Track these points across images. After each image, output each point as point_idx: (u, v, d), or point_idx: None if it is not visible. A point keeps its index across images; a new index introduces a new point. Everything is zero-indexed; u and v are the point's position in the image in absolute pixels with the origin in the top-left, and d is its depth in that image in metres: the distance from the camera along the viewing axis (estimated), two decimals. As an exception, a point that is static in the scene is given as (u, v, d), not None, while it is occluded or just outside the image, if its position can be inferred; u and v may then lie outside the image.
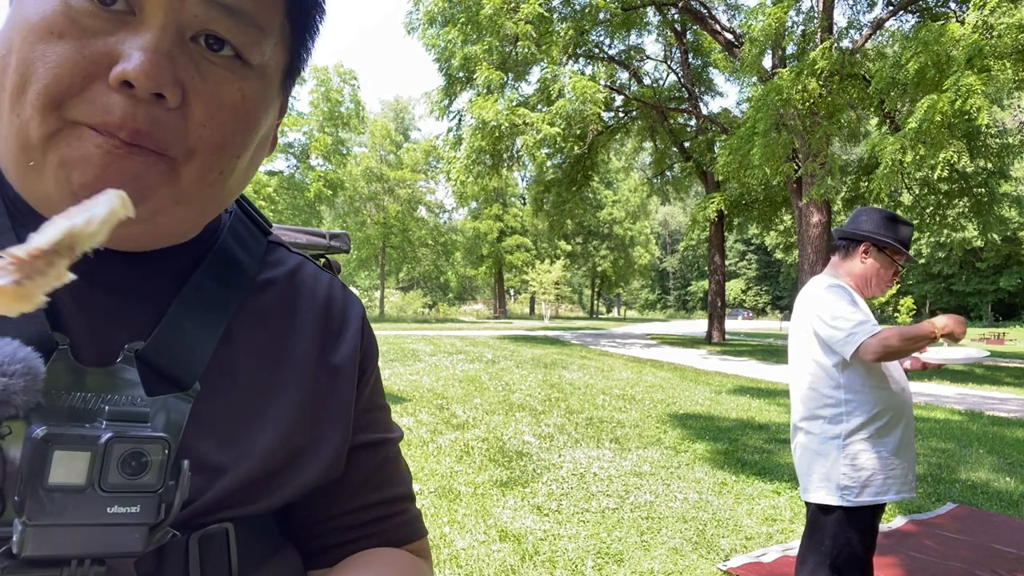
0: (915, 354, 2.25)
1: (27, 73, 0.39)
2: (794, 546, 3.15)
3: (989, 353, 2.59)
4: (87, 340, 0.43)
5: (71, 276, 0.33)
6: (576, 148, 19.88)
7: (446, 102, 18.75)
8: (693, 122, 23.15)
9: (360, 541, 0.56)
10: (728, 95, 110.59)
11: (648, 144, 25.85)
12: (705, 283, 43.07)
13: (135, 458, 0.38)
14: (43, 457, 0.36)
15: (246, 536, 0.47)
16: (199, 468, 0.44)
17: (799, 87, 12.38)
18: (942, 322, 2.00)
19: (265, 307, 0.53)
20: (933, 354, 2.27)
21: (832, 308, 2.08)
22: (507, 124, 15.69)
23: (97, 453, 0.37)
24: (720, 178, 18.78)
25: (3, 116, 0.41)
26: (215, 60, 0.42)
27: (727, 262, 54.25)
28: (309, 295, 0.57)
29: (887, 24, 16.21)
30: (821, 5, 14.83)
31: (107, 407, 0.40)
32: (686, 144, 23.27)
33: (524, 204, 45.49)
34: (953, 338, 2.02)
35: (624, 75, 22.96)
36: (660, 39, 23.49)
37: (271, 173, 28.61)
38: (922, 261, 44.62)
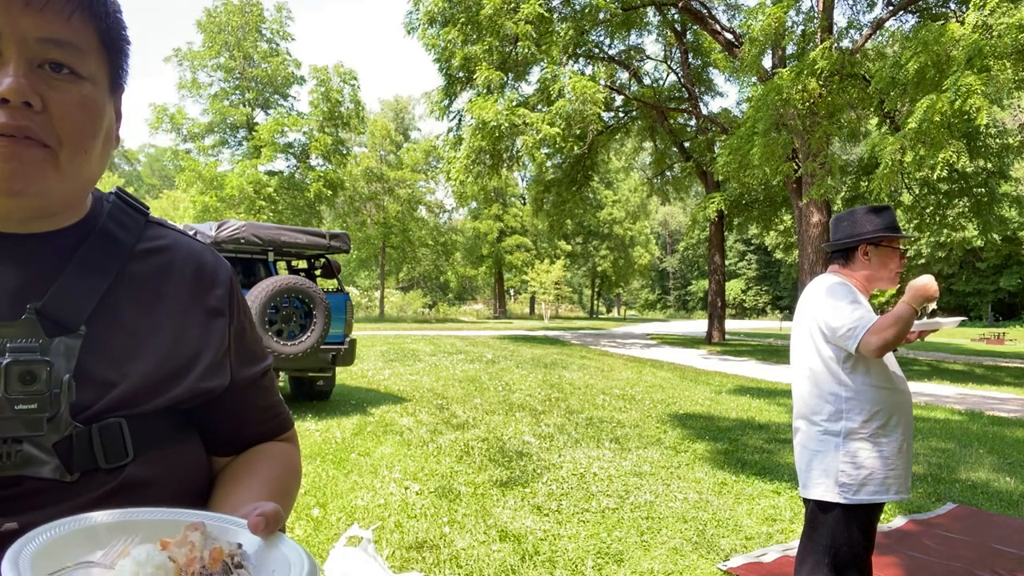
0: None
1: None
2: (794, 546, 3.15)
3: (966, 318, 2.95)
4: (3, 304, 0.62)
5: None
6: (576, 148, 19.84)
7: (446, 102, 18.72)
8: (693, 122, 23.13)
9: (254, 435, 0.82)
10: (728, 95, 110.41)
11: (648, 144, 25.82)
12: (705, 283, 43.02)
13: (28, 374, 0.59)
14: None
15: (139, 428, 0.66)
16: (95, 383, 0.64)
17: (799, 87, 12.37)
18: (913, 296, 2.02)
19: (144, 269, 0.72)
20: (916, 324, 2.27)
21: (834, 304, 2.09)
22: (507, 124, 15.66)
23: (1, 372, 0.58)
24: (720, 178, 18.76)
25: None
26: (58, 77, 0.62)
27: (727, 262, 54.20)
28: (183, 258, 0.76)
29: (887, 24, 16.20)
30: (821, 5, 14.82)
31: (10, 343, 0.60)
32: (686, 144, 23.24)
33: (524, 204, 45.41)
34: (929, 299, 2.03)
35: (624, 75, 22.94)
36: (660, 39, 23.45)
37: (271, 173, 28.52)
38: (922, 261, 44.56)
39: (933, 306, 2.12)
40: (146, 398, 0.66)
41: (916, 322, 2.12)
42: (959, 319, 2.38)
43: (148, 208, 0.78)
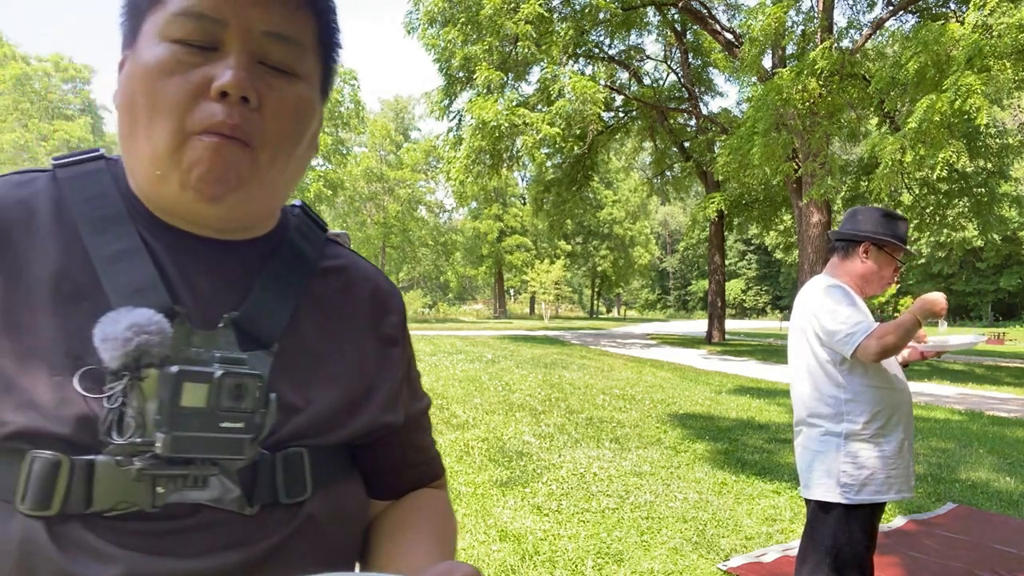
0: (913, 344, 2.26)
1: (154, 104, 0.54)
2: (794, 546, 3.15)
3: (985, 337, 2.68)
4: (196, 309, 0.57)
5: None
6: (576, 148, 19.84)
7: (446, 102, 18.71)
8: (693, 122, 23.12)
9: (412, 478, 0.76)
10: (728, 95, 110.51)
11: (648, 144, 25.81)
12: (705, 283, 43.04)
13: (239, 389, 0.52)
14: (178, 386, 0.50)
15: (318, 460, 0.60)
16: (281, 407, 0.57)
17: (799, 87, 12.37)
18: (919, 308, 2.02)
19: (326, 289, 0.67)
20: (931, 342, 2.27)
21: (831, 308, 2.09)
22: (507, 124, 15.66)
23: (213, 384, 0.51)
24: (720, 178, 18.75)
25: (138, 142, 0.56)
26: (276, 75, 0.58)
27: (727, 262, 54.18)
28: (362, 281, 0.72)
29: (887, 24, 16.20)
30: (821, 5, 14.82)
31: (218, 353, 0.54)
32: (686, 144, 23.24)
33: (524, 204, 45.41)
34: (936, 315, 2.03)
35: (624, 75, 22.94)
36: (660, 39, 23.45)
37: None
38: (922, 261, 44.56)
39: (944, 324, 2.12)
40: (329, 428, 0.61)
41: (933, 339, 2.12)
42: (977, 339, 2.36)
43: (327, 224, 0.75)
